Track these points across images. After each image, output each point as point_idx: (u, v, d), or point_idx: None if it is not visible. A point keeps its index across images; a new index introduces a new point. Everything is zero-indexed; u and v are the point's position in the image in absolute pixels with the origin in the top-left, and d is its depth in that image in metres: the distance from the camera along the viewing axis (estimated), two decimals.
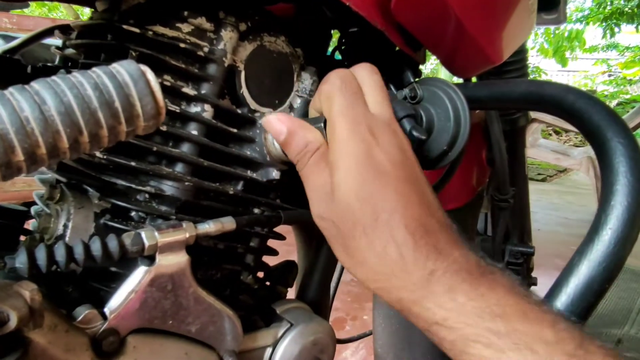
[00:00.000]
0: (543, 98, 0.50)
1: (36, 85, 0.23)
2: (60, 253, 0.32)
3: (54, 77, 0.24)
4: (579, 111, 0.48)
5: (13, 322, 0.25)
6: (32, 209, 0.50)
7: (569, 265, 0.41)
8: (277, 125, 0.39)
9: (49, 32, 0.57)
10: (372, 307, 2.19)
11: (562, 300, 0.40)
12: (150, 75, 0.26)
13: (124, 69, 0.25)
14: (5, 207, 0.50)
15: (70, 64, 0.52)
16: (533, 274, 1.28)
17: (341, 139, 0.36)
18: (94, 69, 0.25)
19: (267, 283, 0.58)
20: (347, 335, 1.28)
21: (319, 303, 0.63)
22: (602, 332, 2.21)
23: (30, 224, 0.53)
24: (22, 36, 0.62)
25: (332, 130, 0.37)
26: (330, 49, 0.64)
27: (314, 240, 0.67)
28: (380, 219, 0.34)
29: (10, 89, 0.23)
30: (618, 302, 2.52)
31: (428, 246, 0.34)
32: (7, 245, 0.49)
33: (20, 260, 0.30)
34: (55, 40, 0.67)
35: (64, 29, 0.53)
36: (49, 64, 0.51)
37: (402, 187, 0.35)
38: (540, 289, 1.23)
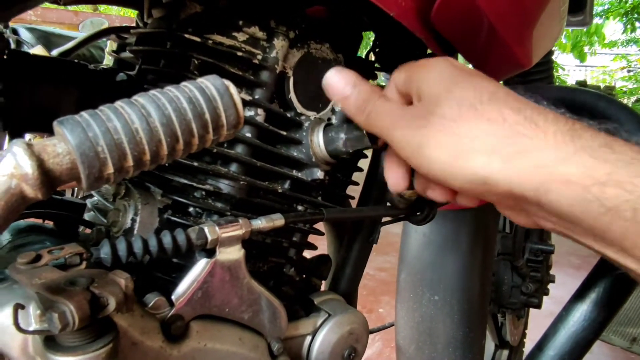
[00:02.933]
0: (575, 104, 0.53)
1: (141, 99, 0.26)
2: (138, 245, 0.35)
3: (153, 92, 0.27)
4: (611, 117, 0.50)
5: (112, 306, 0.29)
6: (89, 202, 0.54)
7: None
8: (341, 81, 0.40)
9: (103, 34, 0.60)
10: (387, 301, 2.22)
11: None
12: (233, 89, 0.29)
13: (211, 84, 0.28)
14: (66, 199, 0.54)
15: (125, 67, 0.55)
16: (551, 272, 1.30)
17: (422, 62, 0.38)
18: (185, 83, 0.29)
19: (303, 275, 0.61)
20: None
21: (350, 295, 0.66)
22: (618, 331, 2.22)
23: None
24: (48, 28, 0.65)
25: (412, 72, 0.38)
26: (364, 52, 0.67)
27: (344, 235, 0.70)
28: (484, 96, 0.33)
29: (119, 102, 0.26)
30: (634, 302, 2.52)
31: (547, 112, 0.32)
32: (68, 234, 0.53)
33: (105, 252, 0.34)
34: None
35: (119, 33, 0.57)
36: (104, 67, 0.55)
37: (489, 79, 0.35)
38: (557, 287, 1.25)
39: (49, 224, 0.56)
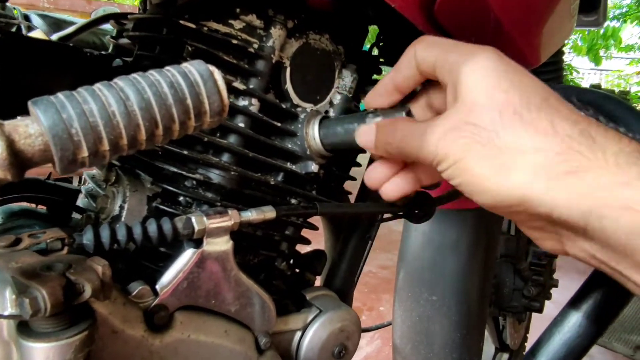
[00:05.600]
0: (581, 104, 0.51)
1: (120, 82, 0.26)
2: (121, 233, 0.35)
3: (134, 75, 0.26)
4: (617, 119, 0.49)
5: (87, 293, 0.28)
6: (83, 188, 0.54)
7: None
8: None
9: (102, 20, 0.59)
10: (388, 299, 2.21)
11: None
12: (217, 75, 0.28)
13: (194, 69, 0.28)
14: (59, 185, 0.54)
15: (123, 53, 0.54)
16: (554, 276, 1.29)
17: (465, 50, 0.34)
18: (168, 67, 0.28)
19: (297, 270, 0.60)
20: (363, 325, 1.31)
21: (344, 292, 0.65)
22: (621, 338, 2.19)
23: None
24: (59, 15, 0.65)
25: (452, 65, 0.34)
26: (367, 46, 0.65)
27: (341, 231, 0.69)
28: (533, 103, 0.29)
29: (98, 85, 0.25)
30: (638, 309, 2.48)
31: (606, 128, 0.29)
32: (61, 220, 0.53)
33: (88, 238, 0.33)
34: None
35: (118, 19, 0.56)
36: (103, 53, 0.54)
37: (540, 82, 0.32)
38: (560, 291, 1.23)
39: (43, 209, 0.55)
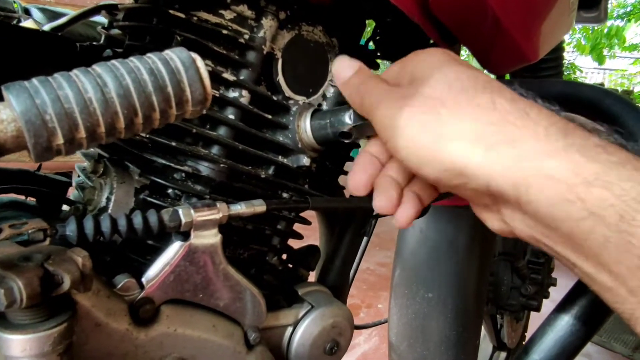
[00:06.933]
0: (579, 100, 0.50)
1: (98, 68, 0.25)
2: (105, 224, 0.34)
3: (113, 62, 0.26)
4: (615, 115, 0.48)
5: (66, 285, 0.28)
6: (74, 180, 0.53)
7: None
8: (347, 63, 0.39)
9: (95, 11, 0.59)
10: (386, 297, 2.21)
11: None
12: (200, 62, 0.28)
13: (176, 56, 0.27)
14: (50, 177, 0.54)
15: (114, 44, 0.54)
16: (553, 275, 1.28)
17: (418, 50, 0.36)
18: (149, 54, 0.27)
19: (290, 265, 0.60)
20: (361, 322, 1.31)
21: (338, 288, 0.64)
22: (619, 338, 2.18)
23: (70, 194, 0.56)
24: (60, 9, 0.64)
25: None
26: (364, 39, 0.65)
27: (336, 227, 0.69)
28: (479, 83, 0.31)
29: (75, 71, 0.25)
30: None
31: (542, 108, 0.30)
32: (50, 212, 0.52)
33: (71, 229, 0.33)
34: (95, 18, 0.69)
35: (110, 9, 0.55)
36: (94, 43, 0.53)
37: (485, 73, 0.34)
38: (559, 290, 1.23)
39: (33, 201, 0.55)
